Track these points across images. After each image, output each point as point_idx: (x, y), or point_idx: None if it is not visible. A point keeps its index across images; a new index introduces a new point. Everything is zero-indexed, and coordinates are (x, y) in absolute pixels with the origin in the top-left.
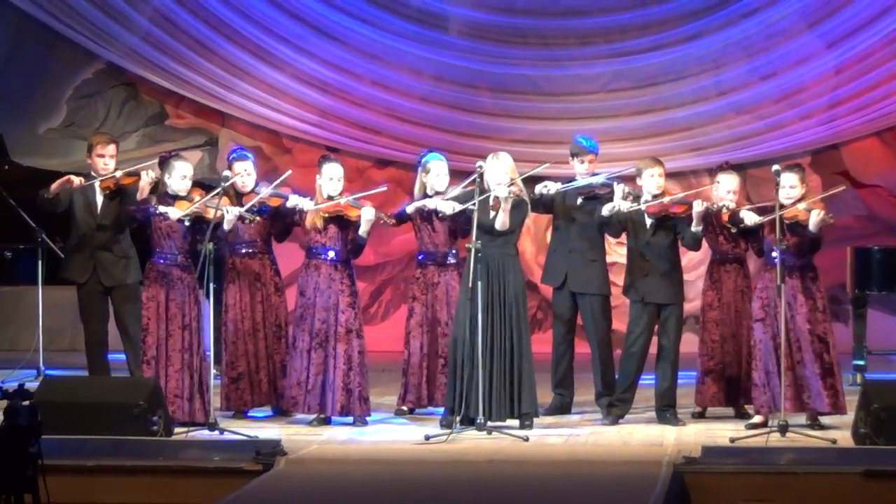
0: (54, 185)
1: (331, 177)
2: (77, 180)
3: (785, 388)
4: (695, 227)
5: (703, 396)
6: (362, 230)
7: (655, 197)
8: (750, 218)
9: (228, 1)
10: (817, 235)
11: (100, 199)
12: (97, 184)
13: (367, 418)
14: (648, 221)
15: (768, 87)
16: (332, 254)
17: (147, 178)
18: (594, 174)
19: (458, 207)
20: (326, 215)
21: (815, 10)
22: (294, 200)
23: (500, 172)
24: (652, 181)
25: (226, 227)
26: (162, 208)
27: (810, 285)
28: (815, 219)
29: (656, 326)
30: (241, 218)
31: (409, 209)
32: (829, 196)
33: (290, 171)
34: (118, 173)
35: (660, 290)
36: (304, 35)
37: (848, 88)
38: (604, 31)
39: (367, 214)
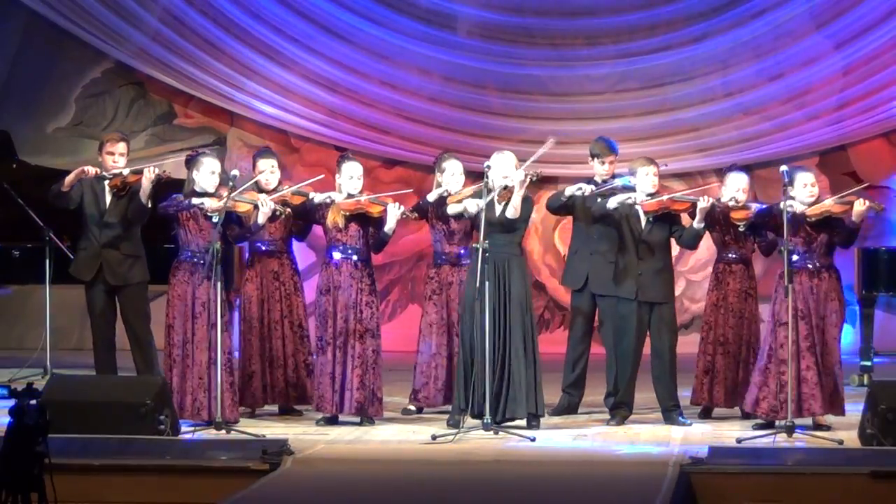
0: (69, 177)
1: (350, 175)
2: (92, 170)
3: (800, 390)
4: (697, 224)
5: (700, 396)
6: (389, 226)
7: (652, 195)
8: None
9: (238, 0)
10: (859, 226)
11: (108, 197)
12: (106, 182)
13: (376, 418)
14: (644, 219)
15: (776, 87)
16: (353, 252)
17: (149, 175)
18: (614, 175)
19: (480, 204)
20: (348, 213)
21: (823, 11)
22: (322, 196)
23: (508, 166)
24: (647, 180)
25: (261, 220)
26: (197, 200)
27: (837, 286)
28: (859, 208)
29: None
30: (273, 211)
31: (431, 197)
32: (854, 192)
33: (322, 176)
34: (125, 171)
35: (654, 288)
36: (313, 34)
37: (856, 89)
38: (612, 31)
39: (393, 210)
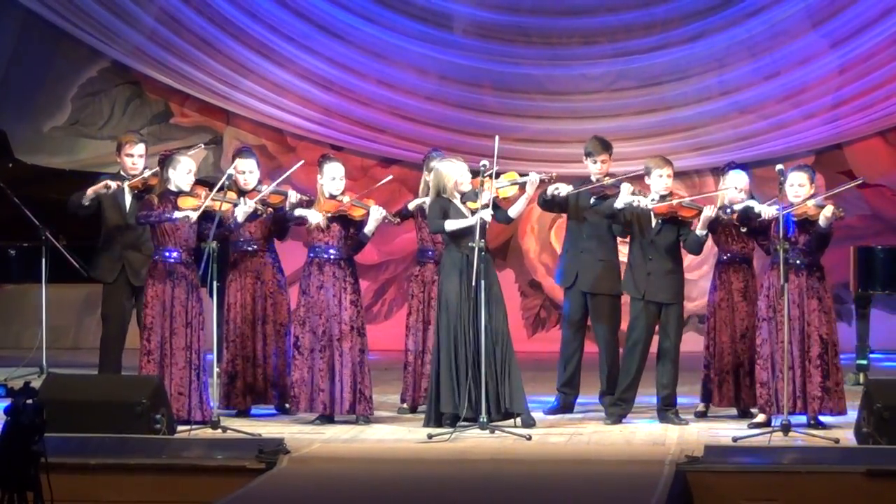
0: (90, 191)
1: (333, 176)
2: (113, 184)
3: (788, 387)
4: (700, 231)
5: (710, 396)
6: (368, 228)
7: (663, 197)
8: (766, 212)
9: None
10: (827, 231)
11: (128, 199)
12: (126, 184)
13: (370, 416)
14: (654, 220)
15: (772, 86)
16: (335, 252)
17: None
18: (608, 174)
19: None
20: (329, 214)
21: (819, 10)
22: (300, 211)
23: (462, 173)
24: (660, 181)
25: (240, 218)
26: (179, 214)
27: (816, 284)
28: (826, 214)
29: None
30: (254, 210)
31: (412, 206)
32: (842, 192)
33: (302, 161)
34: (147, 173)
35: (662, 288)
36: (309, 33)
37: (851, 88)
38: (608, 30)
39: (375, 213)
